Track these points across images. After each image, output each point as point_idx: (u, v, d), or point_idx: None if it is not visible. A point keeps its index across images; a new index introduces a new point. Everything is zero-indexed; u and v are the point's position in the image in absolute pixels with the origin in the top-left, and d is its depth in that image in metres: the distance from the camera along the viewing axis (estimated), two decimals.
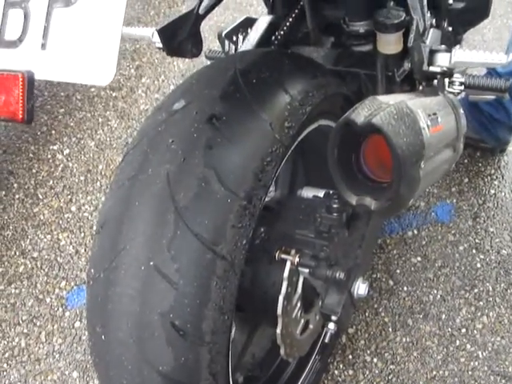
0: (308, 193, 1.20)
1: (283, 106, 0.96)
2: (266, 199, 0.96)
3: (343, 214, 1.09)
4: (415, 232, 2.03)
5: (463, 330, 1.76)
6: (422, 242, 1.99)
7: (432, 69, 1.21)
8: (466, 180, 2.18)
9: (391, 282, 1.89)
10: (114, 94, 2.64)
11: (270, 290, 1.12)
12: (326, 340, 1.25)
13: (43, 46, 0.62)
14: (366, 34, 1.37)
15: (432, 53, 1.22)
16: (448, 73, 1.21)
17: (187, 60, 2.79)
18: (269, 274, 1.11)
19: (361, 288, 1.20)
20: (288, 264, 1.09)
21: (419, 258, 1.95)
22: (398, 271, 1.91)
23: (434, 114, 0.97)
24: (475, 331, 1.75)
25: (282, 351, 1.19)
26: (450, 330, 1.76)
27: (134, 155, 0.93)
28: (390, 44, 1.14)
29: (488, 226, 2.03)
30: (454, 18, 1.60)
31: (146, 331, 0.86)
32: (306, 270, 1.10)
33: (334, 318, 1.17)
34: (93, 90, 2.66)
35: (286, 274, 1.08)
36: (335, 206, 1.07)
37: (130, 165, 0.92)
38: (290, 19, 1.48)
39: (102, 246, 0.91)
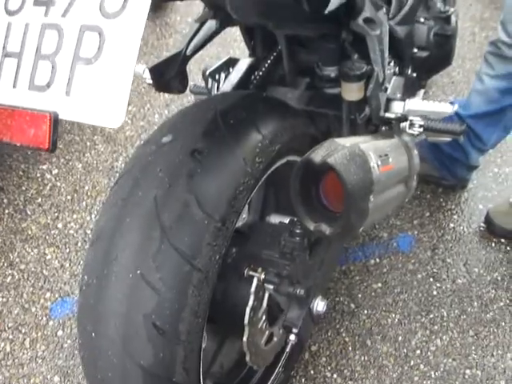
0: (275, 219, 1.37)
1: (255, 143, 1.12)
2: (239, 223, 1.12)
3: (304, 238, 1.25)
4: (377, 260, 2.17)
5: (418, 352, 1.88)
6: (383, 270, 2.14)
7: (388, 115, 1.39)
8: (428, 214, 2.35)
9: (353, 305, 2.02)
10: None
11: (238, 303, 1.28)
12: (288, 349, 1.40)
13: (67, 92, 0.78)
14: (336, 78, 1.53)
15: (388, 101, 1.40)
16: (403, 118, 1.39)
17: None
18: (238, 288, 1.27)
19: (320, 305, 1.36)
20: (255, 280, 1.25)
21: (380, 284, 2.09)
22: (360, 295, 2.05)
23: (386, 154, 1.15)
24: (429, 353, 1.88)
25: (247, 358, 1.34)
26: (405, 350, 1.88)
27: (127, 179, 1.08)
28: (352, 91, 1.32)
29: (446, 256, 2.18)
30: (418, 66, 1.78)
31: (130, 330, 1.01)
32: (271, 286, 1.26)
33: (294, 330, 1.32)
34: None
35: (253, 288, 1.24)
36: (298, 231, 1.24)
37: (122, 187, 1.08)
38: (268, 61, 1.65)
39: (95, 256, 1.06)
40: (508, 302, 2.03)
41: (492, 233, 2.24)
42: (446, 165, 2.29)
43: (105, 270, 1.02)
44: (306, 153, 1.38)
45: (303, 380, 1.83)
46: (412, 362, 1.87)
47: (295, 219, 1.28)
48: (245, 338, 1.28)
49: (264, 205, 1.53)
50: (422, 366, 1.86)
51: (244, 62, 1.66)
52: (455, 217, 2.35)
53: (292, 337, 1.33)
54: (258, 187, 1.15)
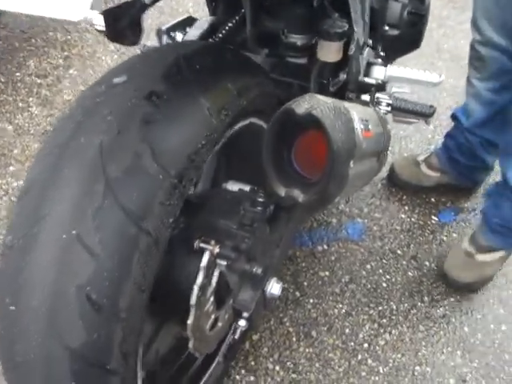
0: (233, 186, 1.21)
1: (222, 93, 0.96)
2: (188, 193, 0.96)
3: (267, 208, 1.10)
4: (325, 247, 2.06)
5: (365, 345, 1.79)
6: (331, 258, 2.03)
7: (367, 80, 1.25)
8: (379, 202, 2.25)
9: (298, 293, 1.90)
10: (39, 81, 2.57)
11: (185, 279, 1.11)
12: (236, 336, 1.24)
13: None
14: (302, 47, 1.40)
15: (369, 65, 1.27)
16: (381, 86, 1.25)
17: (116, 56, 2.76)
18: (186, 263, 1.10)
19: (274, 287, 1.22)
20: (207, 254, 1.08)
21: (327, 273, 1.98)
22: (306, 283, 1.93)
23: (366, 120, 1.01)
24: (377, 347, 1.79)
25: (190, 344, 1.18)
26: (352, 344, 1.79)
27: (67, 123, 0.90)
28: (330, 52, 1.17)
29: (396, 247, 2.09)
30: (387, 44, 1.66)
31: (59, 303, 0.83)
32: (224, 262, 1.10)
33: (245, 314, 1.17)
34: (18, 74, 2.59)
35: (203, 263, 1.08)
36: (260, 200, 1.08)
37: (61, 133, 0.90)
38: (231, 24, 1.49)
39: (22, 213, 0.87)
40: (458, 297, 1.96)
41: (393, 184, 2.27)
42: (464, 174, 2.21)
43: (33, 228, 0.84)
44: (271, 117, 1.23)
45: (243, 371, 1.70)
46: (360, 356, 1.77)
47: (257, 188, 1.13)
48: (190, 321, 1.12)
49: (216, 172, 1.37)
50: (369, 361, 1.77)
51: (203, 22, 1.49)
52: (406, 207, 2.25)
53: (242, 322, 1.18)
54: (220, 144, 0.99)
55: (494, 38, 1.73)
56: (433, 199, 2.29)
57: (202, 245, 1.08)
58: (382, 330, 1.84)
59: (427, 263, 2.07)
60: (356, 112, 0.94)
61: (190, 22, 1.51)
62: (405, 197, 2.29)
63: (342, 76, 1.27)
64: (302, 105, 0.85)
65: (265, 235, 1.13)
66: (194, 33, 1.44)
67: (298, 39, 1.40)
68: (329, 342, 1.79)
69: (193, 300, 1.09)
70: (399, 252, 2.09)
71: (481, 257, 1.95)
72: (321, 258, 2.02)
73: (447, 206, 2.27)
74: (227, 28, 1.47)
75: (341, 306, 1.89)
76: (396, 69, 1.23)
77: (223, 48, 1.17)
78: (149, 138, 0.86)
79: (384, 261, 2.05)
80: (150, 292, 0.90)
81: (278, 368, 1.71)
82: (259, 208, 1.07)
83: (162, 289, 1.11)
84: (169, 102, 0.90)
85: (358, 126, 0.93)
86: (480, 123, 1.98)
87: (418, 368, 1.76)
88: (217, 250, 1.07)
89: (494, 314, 1.93)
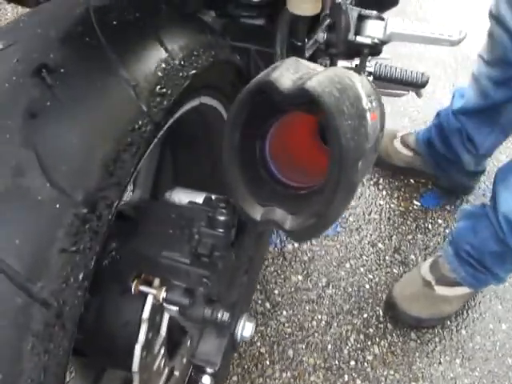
0: (181, 196, 0.86)
1: (156, 62, 0.62)
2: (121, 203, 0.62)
3: (232, 229, 0.77)
4: (296, 245, 1.77)
5: (352, 363, 1.54)
6: (304, 258, 1.75)
7: (360, 39, 0.92)
8: None
9: (268, 305, 1.63)
10: None
11: (122, 332, 0.78)
12: None
13: None
14: (259, 5, 1.07)
15: (361, 19, 0.93)
16: (377, 48, 0.92)
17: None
18: (121, 314, 0.77)
19: (246, 328, 0.89)
20: (150, 299, 0.75)
21: (300, 277, 1.70)
22: (276, 292, 1.66)
23: (370, 96, 0.68)
24: (365, 364, 1.55)
25: None
26: (337, 362, 1.54)
27: None
28: (305, 1, 0.83)
29: (376, 241, 1.83)
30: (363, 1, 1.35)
31: None
32: (175, 308, 0.77)
33: (210, 370, 0.85)
34: None
35: (146, 314, 0.74)
36: (221, 217, 0.75)
37: None
38: None
39: None
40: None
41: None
42: (440, 165, 1.94)
43: None
44: (227, 96, 0.90)
45: None
46: (346, 377, 1.51)
47: (215, 196, 0.80)
48: None
49: (158, 174, 1.02)
50: (358, 382, 1.52)
51: None
52: (384, 192, 1.97)
53: (206, 379, 0.85)
54: (155, 141, 0.65)
55: (507, 16, 1.47)
56: (412, 180, 2.03)
57: (142, 288, 0.74)
58: (369, 342, 1.60)
59: (413, 257, 1.83)
60: (361, 85, 0.62)
61: None
62: (381, 180, 2.01)
63: (322, 35, 0.93)
64: (286, 74, 0.52)
65: (229, 264, 0.80)
66: None
67: None
68: (309, 362, 1.53)
69: (135, 366, 0.75)
70: (380, 246, 1.83)
71: (440, 289, 1.62)
72: (292, 260, 1.74)
73: (428, 187, 2.02)
74: None
75: (319, 316, 1.63)
76: (399, 23, 0.91)
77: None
78: (36, 141, 0.51)
79: (364, 257, 1.79)
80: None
81: None
82: (220, 230, 0.74)
83: (92, 342, 0.79)
84: (68, 79, 0.55)
85: (367, 105, 0.60)
86: (469, 111, 1.75)
87: None
88: (163, 294, 0.74)
89: (492, 311, 1.72)
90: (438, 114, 1.90)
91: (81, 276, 0.52)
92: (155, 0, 0.75)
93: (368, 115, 0.60)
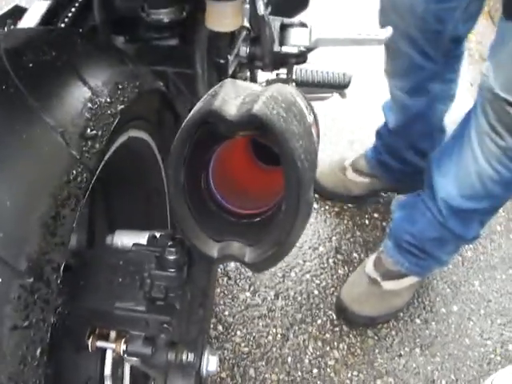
0: (123, 239, 0.80)
1: (81, 103, 0.57)
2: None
3: (184, 265, 0.72)
4: (237, 263, 1.71)
5: (315, 371, 1.52)
6: (248, 274, 1.71)
7: (286, 49, 0.89)
8: None
9: (221, 328, 1.58)
10: None
11: None
12: None
13: None
14: (171, 25, 1.04)
15: (284, 28, 0.90)
16: (303, 55, 0.90)
17: None
18: (81, 370, 0.71)
19: (211, 362, 0.85)
20: (109, 354, 0.69)
21: (248, 293, 1.66)
22: (227, 313, 1.61)
23: (307, 107, 0.65)
24: (328, 369, 1.52)
25: None
26: (300, 373, 1.51)
27: None
28: (226, 16, 0.79)
29: (316, 244, 1.79)
30: (273, 3, 1.32)
31: None
32: (136, 359, 0.71)
33: None
34: None
35: (108, 370, 0.69)
36: (171, 256, 0.70)
37: None
38: (73, 8, 1.10)
39: None
40: None
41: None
42: (401, 180, 1.88)
43: None
44: (154, 125, 0.86)
45: None
46: None
47: (160, 234, 0.75)
48: None
49: (92, 216, 0.97)
50: None
51: (38, 6, 1.08)
52: (316, 195, 1.94)
53: None
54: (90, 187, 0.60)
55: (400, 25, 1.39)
56: None
57: (99, 344, 0.68)
58: (327, 348, 1.57)
59: (355, 255, 1.81)
60: (300, 98, 0.59)
61: (20, 11, 1.10)
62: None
63: (244, 49, 0.90)
64: (229, 101, 0.48)
65: (186, 302, 0.75)
66: (25, 23, 1.03)
67: (163, 14, 1.03)
68: (272, 378, 1.49)
69: None
70: (322, 249, 1.81)
71: (388, 284, 1.61)
72: (236, 278, 1.70)
73: None
74: (70, 15, 1.08)
75: (274, 330, 1.59)
76: (325, 29, 0.88)
77: (68, 32, 0.77)
78: None
79: (308, 263, 1.76)
80: None
81: None
82: (171, 270, 0.69)
83: None
84: None
85: (310, 119, 0.57)
86: (402, 125, 1.70)
87: (379, 382, 1.52)
88: (123, 347, 0.68)
89: (442, 295, 1.73)
90: (378, 134, 1.83)
91: (38, 352, 0.47)
92: (69, 35, 0.70)
93: (313, 130, 0.57)
